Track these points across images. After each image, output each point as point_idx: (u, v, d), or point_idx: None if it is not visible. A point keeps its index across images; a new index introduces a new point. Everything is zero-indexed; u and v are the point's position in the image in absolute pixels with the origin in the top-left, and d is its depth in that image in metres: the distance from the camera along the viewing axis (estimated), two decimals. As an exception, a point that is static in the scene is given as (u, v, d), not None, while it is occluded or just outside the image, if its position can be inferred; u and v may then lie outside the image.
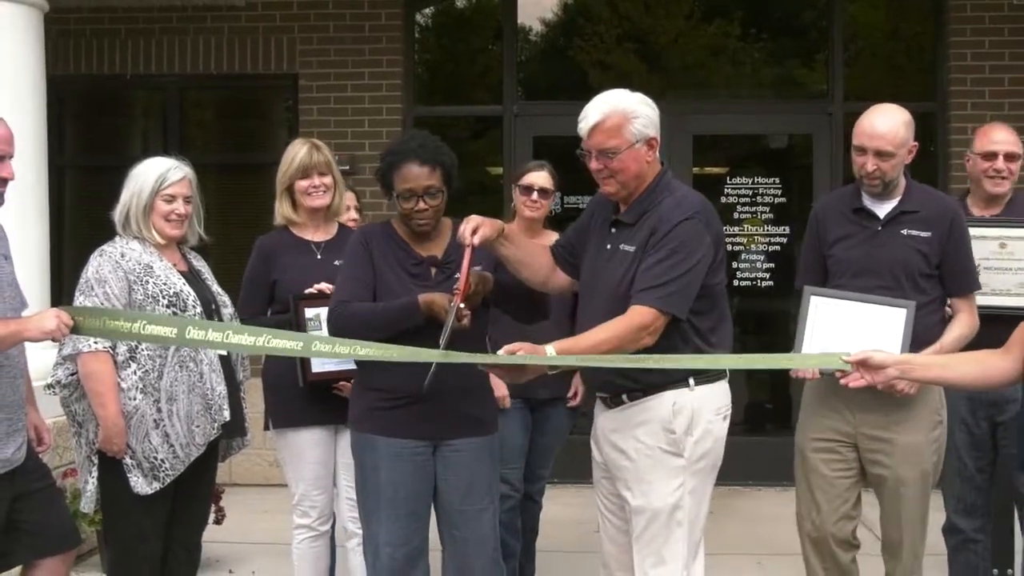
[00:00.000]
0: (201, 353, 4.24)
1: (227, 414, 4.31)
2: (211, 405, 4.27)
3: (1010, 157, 4.80)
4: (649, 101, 3.85)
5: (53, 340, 3.86)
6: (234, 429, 4.43)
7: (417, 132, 4.11)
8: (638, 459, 3.84)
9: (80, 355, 4.11)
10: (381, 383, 3.99)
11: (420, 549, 4.07)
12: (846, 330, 4.02)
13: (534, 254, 4.12)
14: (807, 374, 4.21)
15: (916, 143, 4.25)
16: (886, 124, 4.18)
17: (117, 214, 4.35)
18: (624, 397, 3.86)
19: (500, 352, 3.60)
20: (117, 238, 4.33)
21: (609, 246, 3.88)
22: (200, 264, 4.54)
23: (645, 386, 3.80)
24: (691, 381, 3.80)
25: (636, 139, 3.77)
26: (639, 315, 3.66)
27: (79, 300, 4.16)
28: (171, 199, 4.30)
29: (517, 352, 3.57)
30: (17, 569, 4.03)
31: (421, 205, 3.98)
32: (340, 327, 3.95)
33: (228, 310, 4.48)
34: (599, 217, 3.99)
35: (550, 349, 3.60)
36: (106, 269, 4.19)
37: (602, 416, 3.99)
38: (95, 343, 4.09)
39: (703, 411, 3.83)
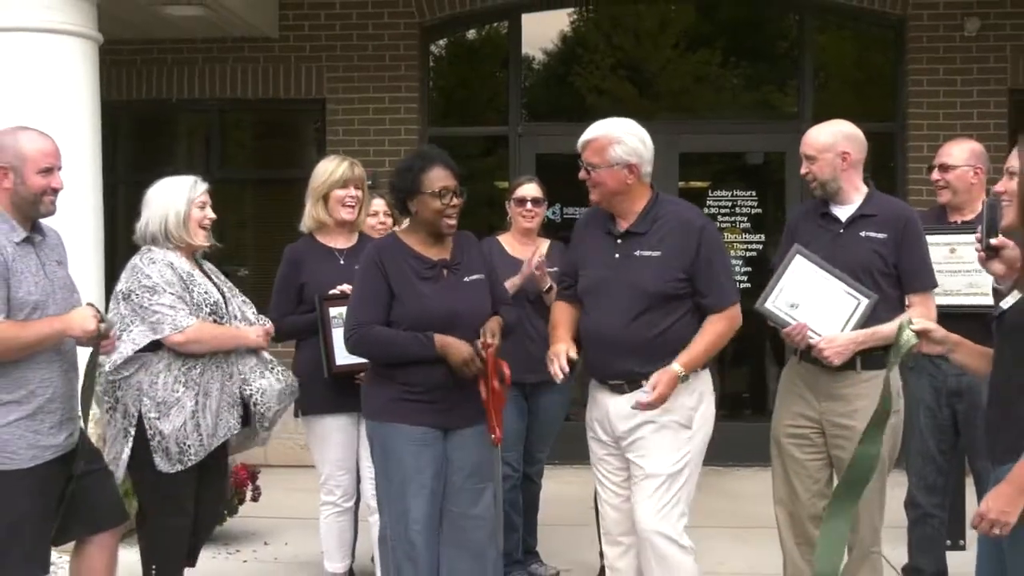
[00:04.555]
0: (232, 355, 4.30)
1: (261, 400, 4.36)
2: (235, 404, 4.31)
3: (943, 168, 4.75)
4: (642, 136, 4.00)
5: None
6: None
7: (429, 146, 4.15)
8: (657, 432, 3.95)
9: (168, 339, 4.13)
10: (404, 377, 3.93)
11: (436, 527, 4.01)
12: (809, 296, 4.05)
13: (572, 324, 4.19)
14: (798, 336, 4.09)
15: (849, 152, 4.16)
16: (811, 132, 4.24)
17: (148, 227, 4.32)
18: (643, 383, 3.91)
19: (647, 388, 3.81)
20: (154, 249, 4.29)
21: (618, 255, 3.98)
22: (208, 266, 4.54)
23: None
24: None
25: (615, 162, 3.93)
26: (734, 313, 4.00)
27: (153, 299, 4.13)
28: (203, 206, 4.36)
29: (658, 387, 3.79)
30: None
31: (455, 201, 3.97)
32: (359, 348, 4.00)
33: (237, 299, 4.47)
34: (593, 233, 4.10)
35: (677, 366, 3.84)
36: (168, 274, 4.20)
37: (614, 400, 4.02)
38: (181, 324, 4.11)
39: (706, 391, 4.04)
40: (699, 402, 4.00)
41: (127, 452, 4.18)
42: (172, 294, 4.16)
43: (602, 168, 3.94)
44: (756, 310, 4.16)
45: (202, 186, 4.38)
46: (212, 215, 4.38)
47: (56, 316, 3.71)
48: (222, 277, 4.53)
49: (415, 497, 3.91)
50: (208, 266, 4.50)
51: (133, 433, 4.17)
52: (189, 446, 4.17)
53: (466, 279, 4.04)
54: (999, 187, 3.17)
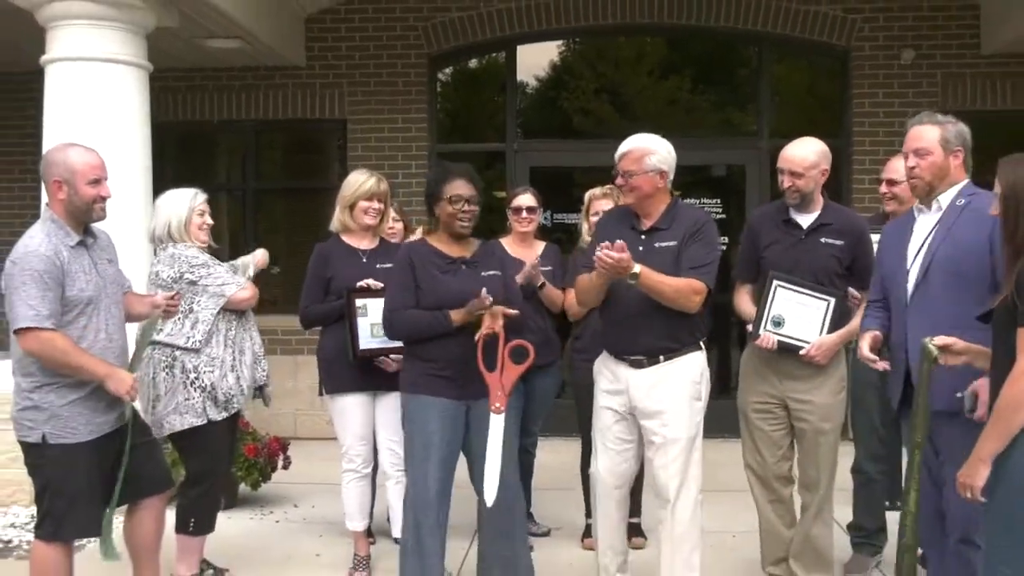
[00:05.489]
0: (249, 321, 4.49)
1: (265, 365, 4.53)
2: (257, 360, 4.48)
3: (891, 183, 4.74)
4: (670, 148, 4.08)
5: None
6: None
7: (457, 163, 4.25)
8: (675, 403, 4.00)
9: (235, 296, 4.33)
10: (426, 353, 4.01)
11: (450, 488, 4.08)
12: (791, 313, 4.13)
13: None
14: (767, 344, 4.15)
15: (827, 168, 4.20)
16: (797, 151, 4.19)
17: (156, 231, 4.43)
18: (661, 358, 3.99)
19: (607, 251, 3.71)
20: (174, 245, 4.38)
21: (642, 248, 3.98)
22: None
23: (682, 347, 4.01)
24: (701, 344, 4.08)
25: (649, 169, 3.99)
26: (698, 283, 3.90)
27: (210, 271, 4.31)
28: (202, 213, 4.45)
29: (623, 252, 3.71)
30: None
31: (466, 208, 4.07)
32: (392, 328, 4.10)
33: None
34: (619, 230, 4.03)
35: (637, 266, 3.78)
36: (203, 257, 4.36)
37: (634, 373, 4.02)
38: (243, 282, 4.35)
39: (705, 367, 4.09)
40: (701, 378, 4.06)
41: (196, 396, 4.25)
42: (220, 265, 4.36)
43: (638, 175, 3.98)
44: (751, 338, 4.22)
45: (202, 196, 4.48)
46: (210, 221, 4.49)
47: (109, 364, 3.69)
48: None
49: (434, 460, 3.98)
50: None
51: (197, 384, 4.25)
52: (233, 395, 4.31)
53: (483, 274, 4.11)
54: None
